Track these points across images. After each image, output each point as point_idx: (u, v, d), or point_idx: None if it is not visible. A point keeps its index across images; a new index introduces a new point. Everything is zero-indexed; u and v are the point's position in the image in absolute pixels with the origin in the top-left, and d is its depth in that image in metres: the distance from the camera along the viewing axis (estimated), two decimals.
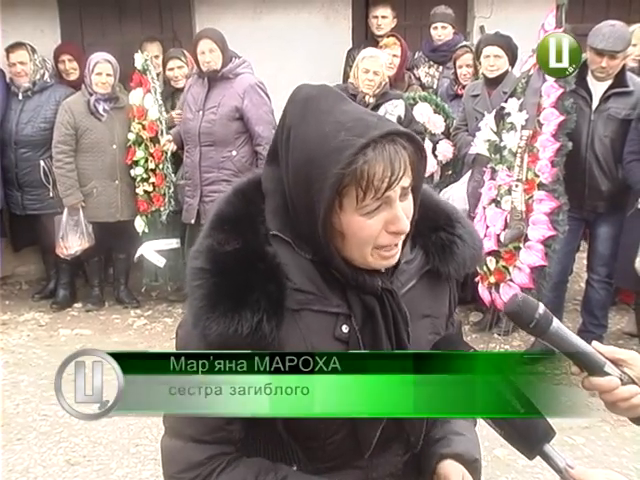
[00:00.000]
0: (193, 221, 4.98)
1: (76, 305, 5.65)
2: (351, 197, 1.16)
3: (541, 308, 1.19)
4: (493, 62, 4.88)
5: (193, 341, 1.22)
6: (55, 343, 4.98)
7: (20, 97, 5.41)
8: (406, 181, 1.17)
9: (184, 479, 1.27)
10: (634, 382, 1.19)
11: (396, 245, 1.22)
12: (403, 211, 1.19)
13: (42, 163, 5.37)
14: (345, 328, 1.24)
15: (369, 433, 1.27)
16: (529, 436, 1.20)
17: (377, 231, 1.19)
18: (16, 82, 5.43)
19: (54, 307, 5.58)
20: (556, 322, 1.19)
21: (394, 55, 5.49)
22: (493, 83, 4.92)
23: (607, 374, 1.18)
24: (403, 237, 1.23)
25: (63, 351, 4.61)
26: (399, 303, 1.27)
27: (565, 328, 1.20)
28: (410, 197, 1.21)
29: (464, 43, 5.63)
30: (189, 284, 1.22)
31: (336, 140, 1.14)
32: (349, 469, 1.30)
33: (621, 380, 1.18)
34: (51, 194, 5.39)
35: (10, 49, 5.43)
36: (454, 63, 5.41)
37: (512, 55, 4.92)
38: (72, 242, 5.28)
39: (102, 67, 5.21)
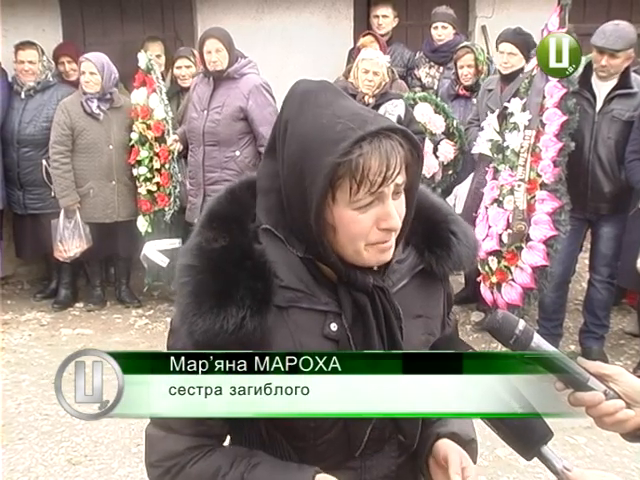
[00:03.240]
0: (196, 220, 4.95)
1: (78, 305, 5.64)
2: (344, 190, 1.16)
3: (521, 324, 1.20)
4: (507, 59, 4.85)
5: (181, 338, 1.22)
6: (56, 343, 4.98)
7: (22, 96, 5.40)
8: (400, 179, 1.17)
9: (163, 467, 1.28)
10: (619, 397, 1.19)
11: (388, 241, 1.21)
12: (395, 209, 1.19)
13: (44, 162, 5.35)
14: (334, 326, 1.23)
15: (359, 431, 1.26)
16: (526, 437, 1.19)
17: (368, 227, 1.18)
18: (21, 80, 5.40)
19: (56, 307, 5.58)
20: (537, 338, 1.20)
21: None
22: (507, 79, 4.86)
23: (591, 389, 1.18)
24: (395, 235, 1.22)
25: (64, 351, 4.61)
26: (391, 301, 1.26)
27: (547, 344, 1.21)
28: (403, 197, 1.21)
29: (465, 43, 5.61)
30: (177, 281, 1.22)
31: (332, 131, 1.14)
32: (342, 470, 1.28)
33: (605, 395, 1.18)
34: (53, 193, 5.37)
35: (21, 46, 5.40)
36: (455, 63, 5.39)
37: (528, 53, 4.86)
38: (70, 245, 5.26)
39: (85, 66, 5.19)
